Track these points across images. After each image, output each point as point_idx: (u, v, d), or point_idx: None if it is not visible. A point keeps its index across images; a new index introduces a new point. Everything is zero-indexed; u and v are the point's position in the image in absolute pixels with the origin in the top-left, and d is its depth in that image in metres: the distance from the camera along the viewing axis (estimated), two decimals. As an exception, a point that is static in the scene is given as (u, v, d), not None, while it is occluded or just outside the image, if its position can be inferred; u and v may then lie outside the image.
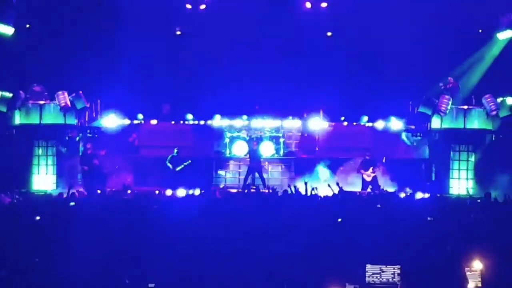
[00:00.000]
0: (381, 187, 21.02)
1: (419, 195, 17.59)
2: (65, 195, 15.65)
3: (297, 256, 9.70)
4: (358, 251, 9.82)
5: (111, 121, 23.09)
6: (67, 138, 22.25)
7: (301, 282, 9.18)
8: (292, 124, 24.07)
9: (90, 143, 22.09)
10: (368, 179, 21.70)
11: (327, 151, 23.64)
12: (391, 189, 20.61)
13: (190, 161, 22.12)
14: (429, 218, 12.04)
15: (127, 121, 23.50)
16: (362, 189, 21.38)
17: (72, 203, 13.76)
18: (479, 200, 15.80)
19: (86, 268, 9.16)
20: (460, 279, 8.52)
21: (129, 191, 17.78)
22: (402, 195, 18.09)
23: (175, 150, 22.33)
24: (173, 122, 24.02)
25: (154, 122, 23.97)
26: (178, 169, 22.08)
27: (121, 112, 23.16)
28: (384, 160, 21.91)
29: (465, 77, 23.61)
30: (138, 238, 10.45)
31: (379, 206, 13.63)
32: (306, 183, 16.85)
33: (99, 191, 18.15)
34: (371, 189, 20.97)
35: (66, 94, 21.57)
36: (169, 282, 9.09)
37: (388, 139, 23.39)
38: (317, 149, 23.80)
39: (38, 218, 11.41)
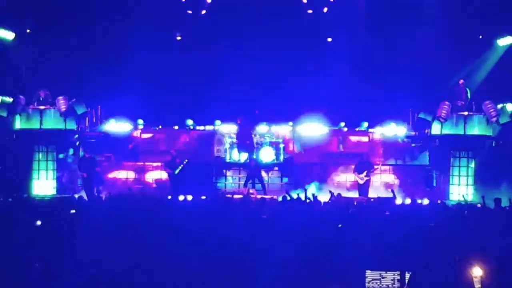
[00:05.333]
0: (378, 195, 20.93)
1: (425, 201, 17.54)
2: (65, 200, 15.62)
3: (297, 262, 9.68)
4: (357, 257, 9.79)
5: (112, 126, 23.09)
6: (66, 140, 22.24)
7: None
8: (291, 129, 24.03)
9: (90, 149, 22.10)
10: (361, 182, 21.66)
11: (327, 157, 23.62)
12: (389, 195, 20.55)
13: (187, 160, 22.05)
14: (431, 224, 12.03)
15: (127, 127, 23.48)
16: (359, 192, 21.38)
17: (72, 211, 13.65)
18: (479, 205, 15.75)
19: (86, 275, 9.14)
20: (461, 285, 8.49)
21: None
22: (400, 201, 18.02)
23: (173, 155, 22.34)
24: (176, 127, 24.06)
25: (154, 127, 23.99)
26: (176, 171, 22.03)
27: (122, 118, 23.16)
28: (380, 165, 21.82)
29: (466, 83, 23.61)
30: (140, 244, 10.42)
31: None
32: (305, 190, 16.84)
33: (102, 195, 18.08)
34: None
35: (66, 99, 21.59)
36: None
37: (389, 145, 23.38)
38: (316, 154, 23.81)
39: (39, 222, 11.32)
